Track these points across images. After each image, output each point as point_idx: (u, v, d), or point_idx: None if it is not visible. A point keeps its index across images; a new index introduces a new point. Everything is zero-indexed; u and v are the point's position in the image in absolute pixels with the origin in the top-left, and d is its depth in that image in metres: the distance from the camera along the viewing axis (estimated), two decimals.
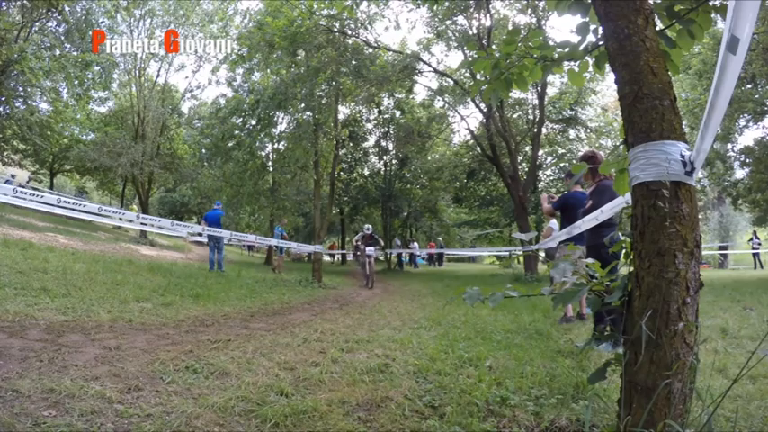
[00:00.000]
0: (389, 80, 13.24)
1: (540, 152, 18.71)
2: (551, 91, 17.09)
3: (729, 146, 15.55)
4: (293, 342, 3.40)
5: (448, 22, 14.23)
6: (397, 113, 20.39)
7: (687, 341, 1.31)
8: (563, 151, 19.82)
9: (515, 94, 15.31)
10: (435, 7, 13.25)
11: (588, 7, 1.92)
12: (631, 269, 1.46)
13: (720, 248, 24.59)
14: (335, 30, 11.38)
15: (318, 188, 11.99)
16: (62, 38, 15.94)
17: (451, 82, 16.07)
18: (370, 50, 12.75)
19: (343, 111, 16.94)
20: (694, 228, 1.35)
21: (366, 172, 23.43)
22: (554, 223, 5.81)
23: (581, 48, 2.02)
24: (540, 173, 19.98)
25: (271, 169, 16.62)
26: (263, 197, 15.88)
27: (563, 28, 26.55)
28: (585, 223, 3.39)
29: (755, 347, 3.03)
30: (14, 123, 15.69)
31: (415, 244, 25.10)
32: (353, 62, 11.91)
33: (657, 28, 1.60)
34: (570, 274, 1.59)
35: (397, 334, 3.88)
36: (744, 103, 12.75)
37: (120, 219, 10.84)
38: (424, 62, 15.14)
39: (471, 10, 13.61)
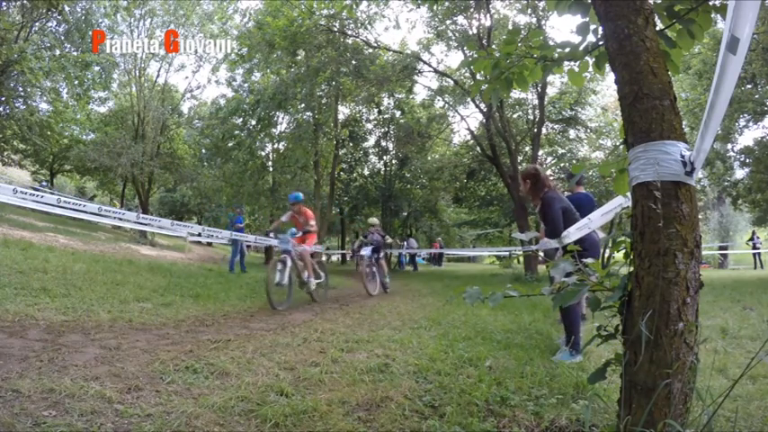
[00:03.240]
0: (389, 80, 13.25)
1: (540, 152, 18.70)
2: (551, 91, 17.09)
3: (729, 146, 15.55)
4: (293, 342, 3.40)
5: (448, 22, 14.22)
6: (397, 113, 20.39)
7: (687, 341, 1.31)
8: (563, 151, 19.82)
9: (515, 94, 15.32)
10: (435, 7, 13.25)
11: (588, 7, 1.92)
12: (631, 269, 1.46)
13: (720, 248, 24.56)
14: (335, 30, 11.38)
15: (318, 188, 12.00)
16: (62, 38, 15.94)
17: (451, 82, 16.07)
18: (370, 50, 12.76)
19: (343, 111, 16.97)
20: (694, 228, 1.35)
21: (366, 172, 23.42)
22: None
23: (581, 48, 2.02)
24: None
25: (271, 169, 16.64)
26: (263, 197, 15.91)
27: (563, 28, 26.56)
28: (576, 232, 3.30)
29: (755, 347, 3.03)
30: (14, 123, 15.70)
31: (409, 242, 24.74)
32: (353, 62, 11.93)
33: (657, 28, 1.60)
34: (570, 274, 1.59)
35: (397, 334, 3.88)
36: (744, 103, 12.76)
37: (120, 219, 10.86)
38: (424, 62, 15.15)
39: (471, 10, 13.61)
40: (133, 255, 10.38)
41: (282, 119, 15.21)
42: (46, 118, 16.76)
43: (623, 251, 1.57)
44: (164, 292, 5.53)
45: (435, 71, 15.60)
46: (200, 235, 13.03)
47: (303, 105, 11.94)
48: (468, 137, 18.72)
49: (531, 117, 17.07)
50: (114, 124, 19.35)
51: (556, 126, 18.99)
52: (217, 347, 3.07)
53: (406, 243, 24.20)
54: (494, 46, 12.23)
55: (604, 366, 1.54)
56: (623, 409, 1.37)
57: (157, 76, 18.78)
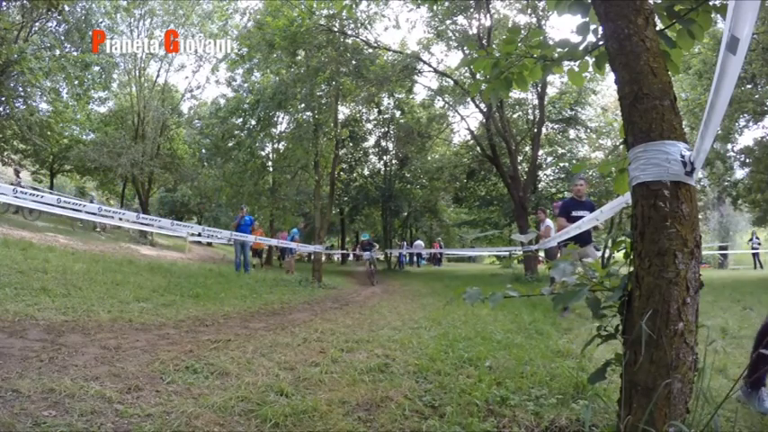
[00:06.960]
0: (389, 80, 13.24)
1: (540, 152, 18.72)
2: (551, 91, 17.10)
3: (729, 146, 15.55)
4: (293, 342, 3.40)
5: (448, 21, 14.22)
6: (397, 113, 20.38)
7: (687, 341, 1.31)
8: (563, 151, 19.83)
9: (515, 94, 15.32)
10: (435, 7, 13.25)
11: (588, 7, 1.92)
12: (631, 269, 1.46)
13: (720, 248, 24.56)
14: (335, 30, 11.36)
15: (318, 188, 11.97)
16: (62, 38, 15.93)
17: (451, 82, 16.06)
18: (370, 50, 12.74)
19: (343, 111, 16.95)
20: (694, 228, 1.35)
21: (366, 172, 23.42)
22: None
23: (581, 48, 2.02)
24: (540, 173, 19.99)
25: (271, 169, 16.63)
26: (263, 197, 15.91)
27: (563, 28, 26.50)
28: (586, 224, 3.38)
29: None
30: (14, 123, 15.66)
31: (416, 243, 24.80)
32: (353, 62, 11.90)
33: (657, 28, 1.60)
34: (570, 274, 1.59)
35: (397, 334, 3.88)
36: (744, 103, 12.75)
37: (121, 219, 10.86)
38: (424, 62, 15.14)
39: (471, 10, 13.60)
40: (133, 255, 10.38)
41: (282, 119, 15.21)
42: (46, 118, 16.72)
43: (623, 251, 1.57)
44: (164, 292, 5.52)
45: (435, 71, 15.59)
46: (200, 235, 13.03)
47: (303, 105, 11.92)
48: (468, 137, 18.72)
49: (531, 117, 17.07)
50: (114, 124, 19.33)
51: (556, 126, 19.00)
52: (217, 347, 3.07)
53: (405, 243, 24.31)
54: (494, 46, 12.22)
55: (604, 366, 1.54)
56: (623, 409, 1.37)
57: (157, 76, 18.82)
